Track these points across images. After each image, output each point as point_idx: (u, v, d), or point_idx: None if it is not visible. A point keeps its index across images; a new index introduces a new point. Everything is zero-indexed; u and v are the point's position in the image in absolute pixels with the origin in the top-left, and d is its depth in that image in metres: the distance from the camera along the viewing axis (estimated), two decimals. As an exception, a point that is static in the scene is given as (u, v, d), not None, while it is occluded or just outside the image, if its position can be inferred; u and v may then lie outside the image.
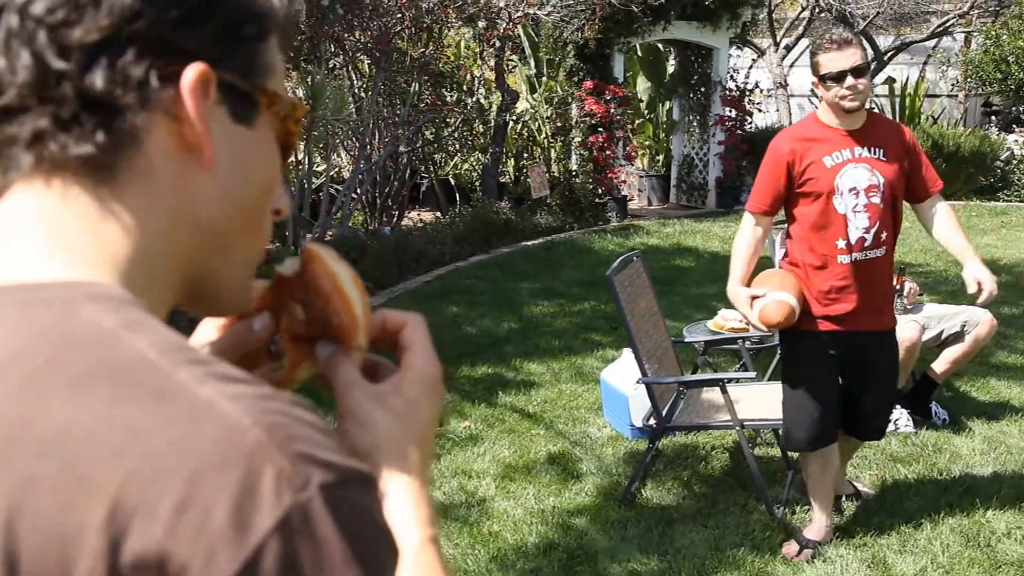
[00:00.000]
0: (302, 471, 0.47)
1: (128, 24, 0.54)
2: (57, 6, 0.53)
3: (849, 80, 2.98)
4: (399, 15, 8.03)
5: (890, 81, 13.81)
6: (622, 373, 4.31)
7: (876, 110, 14.34)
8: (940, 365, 4.44)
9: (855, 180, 3.04)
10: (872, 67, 13.33)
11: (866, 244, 3.06)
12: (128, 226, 0.56)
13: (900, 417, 4.33)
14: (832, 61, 3.00)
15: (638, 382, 3.69)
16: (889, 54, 13.40)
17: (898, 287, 4.46)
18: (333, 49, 7.99)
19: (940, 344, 4.46)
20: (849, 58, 2.98)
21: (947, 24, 13.67)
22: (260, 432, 0.47)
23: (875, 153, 3.07)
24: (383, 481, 0.64)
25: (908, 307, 4.49)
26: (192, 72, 0.55)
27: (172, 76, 0.55)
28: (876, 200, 3.04)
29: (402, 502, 0.63)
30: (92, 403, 0.47)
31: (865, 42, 13.06)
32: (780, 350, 4.67)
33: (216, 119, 0.58)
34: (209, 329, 0.72)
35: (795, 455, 4.03)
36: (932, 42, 13.84)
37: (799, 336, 3.19)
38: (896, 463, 3.98)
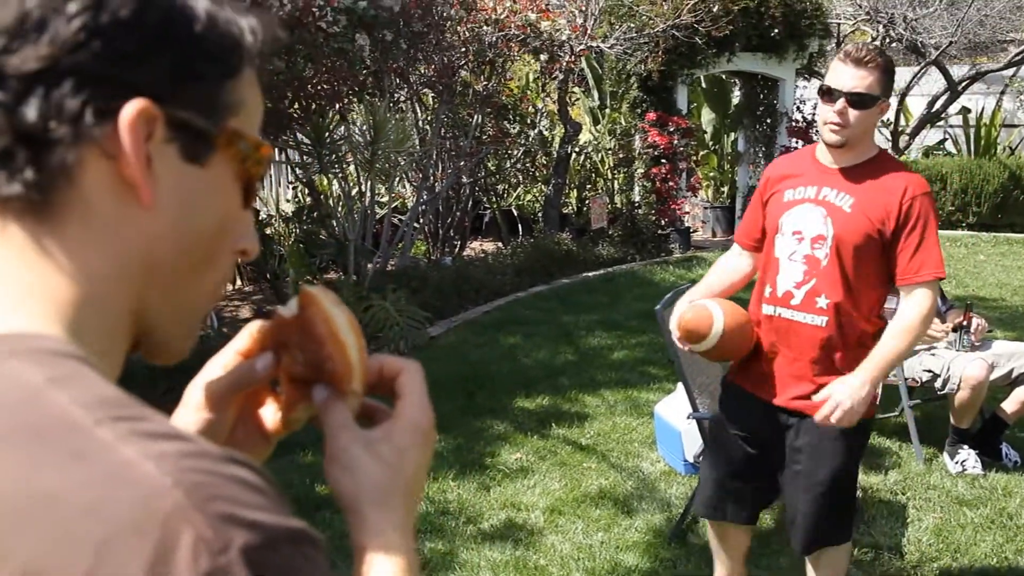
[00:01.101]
0: (223, 533, 0.45)
1: (69, 55, 0.52)
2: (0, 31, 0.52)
3: (839, 104, 2.36)
4: (462, 49, 8.14)
5: (965, 111, 13.47)
6: (676, 407, 4.24)
7: (949, 140, 14.00)
8: (1011, 404, 4.27)
9: (802, 223, 2.49)
10: (946, 97, 13.02)
11: (792, 302, 2.49)
12: (69, 267, 0.54)
13: (968, 458, 4.17)
14: (834, 74, 2.40)
15: (688, 417, 3.63)
16: (964, 83, 13.07)
17: (965, 323, 4.33)
18: (397, 83, 8.13)
19: (1011, 383, 4.29)
20: (853, 78, 2.35)
21: (1025, 53, 13.29)
22: (179, 494, 0.45)
23: (841, 200, 2.44)
24: (363, 532, 0.63)
25: (976, 344, 4.34)
26: (131, 108, 0.53)
27: (112, 111, 0.53)
28: (820, 254, 2.45)
29: (381, 555, 0.62)
30: (8, 467, 0.46)
31: (938, 71, 12.79)
32: None
33: (163, 156, 0.56)
34: (215, 368, 0.72)
35: (857, 494, 3.91)
36: (1009, 71, 13.45)
37: (724, 383, 2.79)
38: (962, 506, 3.82)
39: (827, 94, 2.39)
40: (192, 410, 0.71)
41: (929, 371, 4.30)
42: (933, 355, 4.32)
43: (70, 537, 0.44)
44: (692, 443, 3.99)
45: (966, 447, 4.21)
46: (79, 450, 0.46)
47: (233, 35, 0.59)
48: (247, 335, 0.72)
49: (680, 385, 4.30)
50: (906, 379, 4.35)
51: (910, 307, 2.47)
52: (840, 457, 2.51)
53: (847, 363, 2.46)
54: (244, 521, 0.46)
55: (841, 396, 2.35)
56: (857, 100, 2.36)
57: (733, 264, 2.76)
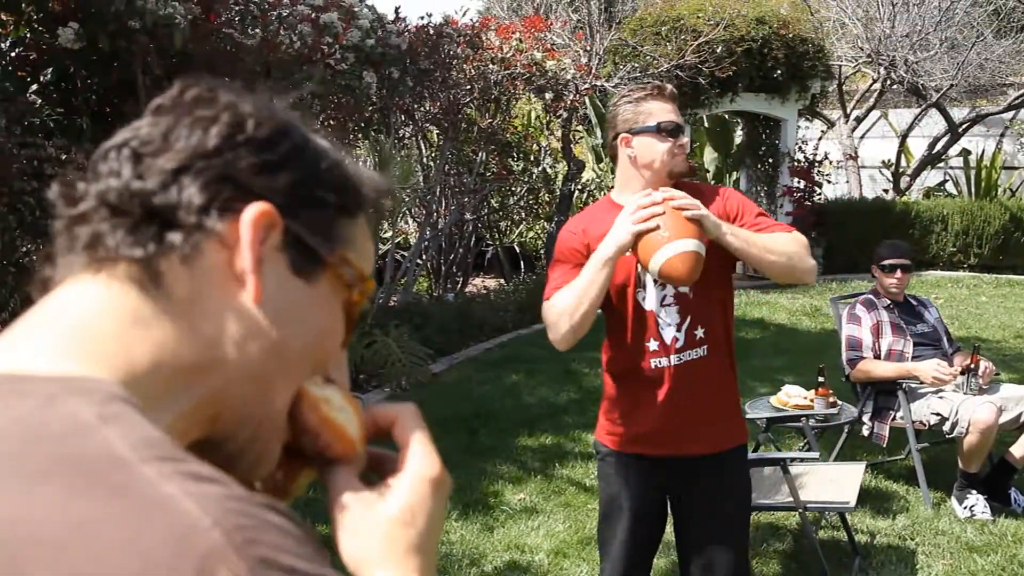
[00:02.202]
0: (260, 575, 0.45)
1: (205, 159, 0.59)
2: (153, 138, 0.59)
3: (684, 137, 2.40)
4: (467, 87, 8.20)
5: (965, 153, 13.55)
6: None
7: (950, 181, 14.07)
8: (1019, 449, 4.24)
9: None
10: (947, 139, 13.12)
11: (678, 346, 2.40)
12: (157, 335, 0.57)
13: (977, 503, 4.13)
14: (660, 111, 2.38)
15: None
16: (964, 126, 13.17)
17: (972, 365, 4.30)
18: (403, 119, 8.18)
19: (1019, 427, 4.26)
20: (675, 112, 2.41)
21: (1024, 96, 13.41)
22: (218, 534, 0.45)
23: None
24: None
25: (983, 387, 4.32)
26: (255, 208, 0.58)
27: (235, 210, 0.58)
28: (684, 289, 2.38)
29: None
30: (46, 497, 0.46)
31: (939, 113, 12.89)
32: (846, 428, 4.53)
33: (274, 263, 0.60)
34: None
35: (862, 539, 3.86)
36: (1009, 114, 13.56)
37: (608, 455, 2.65)
38: (972, 552, 3.77)
39: (672, 131, 2.38)
40: None
41: (937, 414, 4.26)
42: (941, 398, 4.29)
43: (105, 570, 0.44)
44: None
45: (975, 492, 4.16)
46: (121, 485, 0.46)
47: (355, 180, 0.66)
48: None
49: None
50: (913, 422, 4.32)
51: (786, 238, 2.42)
52: (745, 491, 2.59)
53: (731, 374, 2.51)
54: (282, 566, 0.46)
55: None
56: (683, 129, 2.44)
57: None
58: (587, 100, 10.36)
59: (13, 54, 4.79)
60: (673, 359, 2.40)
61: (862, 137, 14.24)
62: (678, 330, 2.39)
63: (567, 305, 2.39)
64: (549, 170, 10.53)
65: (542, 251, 10.40)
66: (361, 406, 0.68)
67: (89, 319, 0.56)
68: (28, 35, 4.76)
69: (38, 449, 0.48)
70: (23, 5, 4.60)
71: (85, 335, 0.56)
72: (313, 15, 5.79)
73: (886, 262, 4.55)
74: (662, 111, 2.40)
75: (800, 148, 11.48)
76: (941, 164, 13.97)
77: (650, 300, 2.41)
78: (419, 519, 0.64)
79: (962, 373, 4.30)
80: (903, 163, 13.88)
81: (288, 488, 0.69)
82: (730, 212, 2.43)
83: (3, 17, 4.70)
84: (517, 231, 11.14)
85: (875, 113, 14.36)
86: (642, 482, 2.52)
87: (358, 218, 0.66)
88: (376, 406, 0.70)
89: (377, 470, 0.68)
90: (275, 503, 0.50)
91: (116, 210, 0.57)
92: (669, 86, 2.48)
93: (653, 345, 2.41)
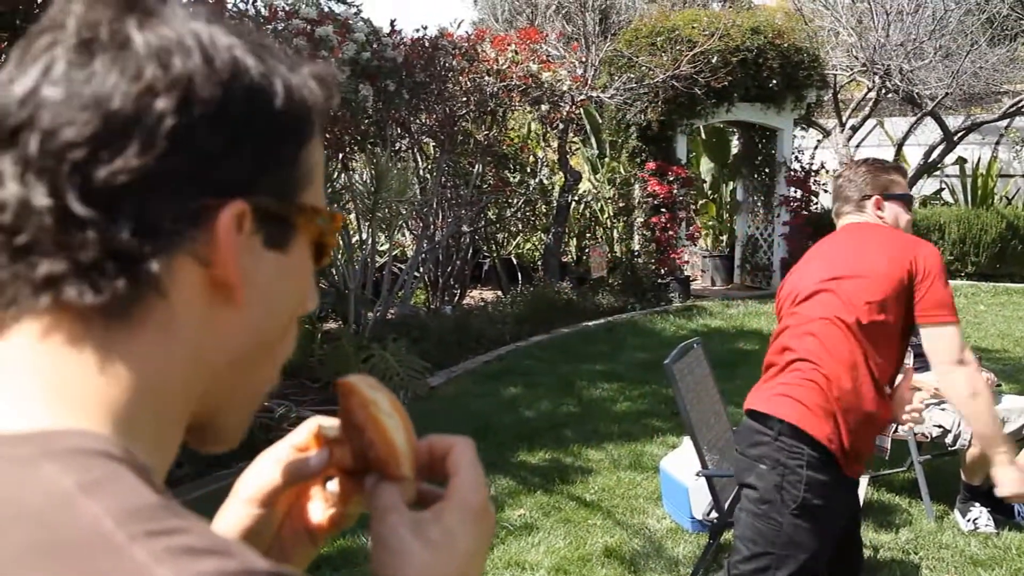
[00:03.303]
0: None
1: (160, 162, 0.49)
2: (85, 139, 0.49)
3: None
4: (463, 99, 8.19)
5: (961, 161, 13.57)
6: (683, 463, 4.17)
7: (946, 189, 14.08)
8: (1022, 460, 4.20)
9: None
10: (942, 147, 13.13)
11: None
12: (135, 369, 0.51)
13: (980, 516, 4.10)
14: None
15: (698, 475, 3.57)
16: (959, 134, 13.19)
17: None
18: (399, 132, 8.17)
19: (1022, 439, 4.23)
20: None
21: (1020, 104, 13.44)
22: None
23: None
24: None
25: (985, 398, 4.29)
26: (228, 213, 0.52)
27: (203, 213, 0.51)
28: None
29: None
30: None
31: (934, 122, 12.91)
32: None
33: (249, 249, 0.54)
34: (268, 461, 0.70)
35: (866, 553, 3.82)
36: (1004, 122, 13.59)
37: (835, 477, 2.58)
38: (976, 566, 3.74)
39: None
40: (242, 503, 0.69)
41: (939, 426, 4.24)
42: (943, 410, 4.26)
43: None
44: (700, 500, 3.91)
45: (978, 504, 4.13)
46: (108, 572, 0.43)
47: (307, 101, 0.57)
48: (305, 430, 0.70)
49: (686, 439, 4.24)
50: (916, 434, 4.29)
51: None
52: None
53: None
54: None
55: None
56: None
57: None
58: (583, 111, 10.36)
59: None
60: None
61: (858, 146, 14.25)
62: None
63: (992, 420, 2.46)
64: (546, 181, 10.53)
65: (539, 263, 10.39)
66: (412, 426, 0.68)
67: (55, 364, 0.51)
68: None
69: (16, 533, 0.44)
70: (17, 21, 4.58)
71: (55, 383, 0.50)
72: (309, 29, 5.78)
73: None
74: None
75: (796, 157, 11.50)
76: (937, 172, 13.99)
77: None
78: (462, 546, 0.62)
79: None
80: (899, 172, 13.88)
81: (343, 510, 0.70)
82: (915, 275, 2.42)
83: (-3, 34, 4.68)
84: (514, 243, 11.13)
85: (871, 122, 14.37)
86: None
87: (314, 140, 0.58)
88: (435, 436, 0.68)
89: (426, 505, 0.65)
90: (283, 570, 0.47)
91: (63, 244, 0.49)
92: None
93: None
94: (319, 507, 0.71)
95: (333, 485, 0.71)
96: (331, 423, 0.69)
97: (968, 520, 4.11)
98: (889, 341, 2.43)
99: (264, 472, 0.69)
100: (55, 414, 0.50)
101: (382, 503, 0.63)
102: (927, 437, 4.32)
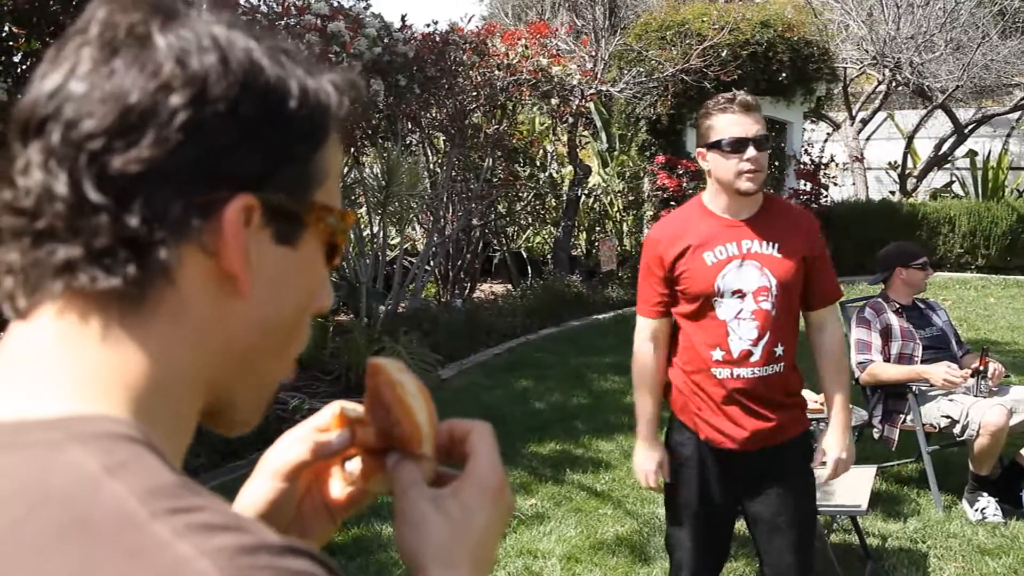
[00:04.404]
0: None
1: (172, 155, 0.52)
2: (103, 130, 0.52)
3: (751, 151, 2.38)
4: (474, 93, 8.23)
5: (972, 154, 13.53)
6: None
7: (957, 182, 14.06)
8: (1030, 451, 4.23)
9: (740, 281, 2.45)
10: (953, 140, 13.10)
11: (752, 359, 2.47)
12: (151, 355, 0.54)
13: (988, 506, 4.13)
14: (732, 124, 2.40)
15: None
16: (970, 126, 13.15)
17: (982, 368, 4.30)
18: (410, 126, 8.21)
19: (1029, 430, 4.26)
20: (754, 123, 2.41)
21: (1031, 96, 13.41)
22: None
23: (767, 248, 2.46)
24: None
25: (993, 389, 4.31)
26: (236, 205, 0.54)
27: (211, 204, 0.54)
28: (766, 306, 2.45)
29: None
30: (62, 565, 0.45)
31: (945, 115, 12.88)
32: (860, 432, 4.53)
33: (259, 243, 0.56)
34: (291, 440, 0.73)
35: (874, 543, 3.86)
36: (1015, 114, 13.54)
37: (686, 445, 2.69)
38: (984, 555, 3.78)
39: (736, 146, 2.40)
40: (265, 478, 0.72)
41: (947, 416, 4.27)
42: (951, 400, 4.29)
43: None
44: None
45: (986, 495, 4.16)
46: (134, 548, 0.45)
47: (323, 105, 0.59)
48: (328, 413, 0.73)
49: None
50: (924, 425, 4.32)
51: (832, 337, 2.65)
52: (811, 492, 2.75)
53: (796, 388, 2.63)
54: None
55: (839, 459, 2.65)
56: (763, 141, 2.43)
57: (655, 361, 2.61)
58: (592, 105, 10.38)
59: (25, 66, 4.83)
60: (741, 371, 2.47)
61: (868, 139, 14.24)
62: (753, 344, 2.45)
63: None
64: (555, 175, 10.55)
65: (549, 256, 10.42)
66: (434, 410, 0.71)
67: (73, 350, 0.53)
68: (39, 47, 4.80)
69: (45, 514, 0.46)
70: (34, 18, 4.63)
71: (75, 368, 0.53)
72: (320, 24, 5.83)
73: (919, 260, 4.58)
74: (728, 125, 2.42)
75: (806, 150, 11.49)
76: (948, 165, 13.96)
77: (725, 311, 2.46)
78: (478, 522, 0.65)
79: (972, 375, 4.30)
80: (909, 164, 13.86)
81: (364, 487, 0.73)
82: (814, 251, 2.53)
83: (14, 30, 4.74)
84: (524, 236, 11.16)
85: (881, 115, 14.36)
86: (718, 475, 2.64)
87: (330, 141, 0.60)
88: (454, 420, 0.71)
89: (443, 485, 0.68)
90: (295, 543, 0.49)
91: (78, 229, 0.52)
92: (740, 95, 2.45)
93: (718, 355, 2.47)
94: (338, 485, 0.74)
95: (352, 465, 0.74)
96: (353, 406, 0.73)
97: (976, 510, 4.14)
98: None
99: (288, 449, 0.72)
100: (82, 398, 0.52)
101: (403, 479, 0.66)
102: (935, 428, 4.34)
